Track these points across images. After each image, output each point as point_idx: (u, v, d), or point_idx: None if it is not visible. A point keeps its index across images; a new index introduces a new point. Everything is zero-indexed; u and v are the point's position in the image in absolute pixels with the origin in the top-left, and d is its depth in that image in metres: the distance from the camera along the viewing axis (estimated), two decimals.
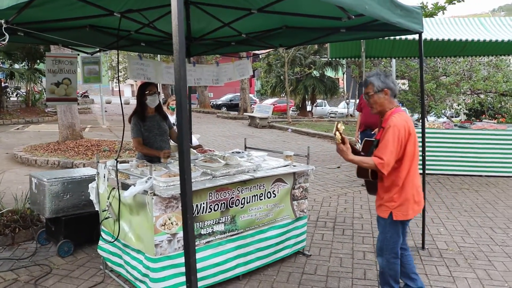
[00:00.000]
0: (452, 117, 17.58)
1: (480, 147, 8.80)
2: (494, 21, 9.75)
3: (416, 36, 4.78)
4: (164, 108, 5.55)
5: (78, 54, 5.92)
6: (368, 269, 4.47)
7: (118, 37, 4.23)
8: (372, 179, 3.51)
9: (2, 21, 3.05)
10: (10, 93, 23.47)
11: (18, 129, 16.99)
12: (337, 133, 3.12)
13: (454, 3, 13.73)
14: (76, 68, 5.87)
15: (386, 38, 8.28)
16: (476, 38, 8.61)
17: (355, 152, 3.41)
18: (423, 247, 5.02)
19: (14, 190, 6.48)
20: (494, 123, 11.26)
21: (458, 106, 16.70)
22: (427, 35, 8.75)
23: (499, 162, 8.77)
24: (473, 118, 15.68)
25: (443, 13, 13.94)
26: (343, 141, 3.19)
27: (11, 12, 2.92)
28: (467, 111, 17.01)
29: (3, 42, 3.02)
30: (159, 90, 4.90)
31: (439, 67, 16.81)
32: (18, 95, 24.31)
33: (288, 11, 4.34)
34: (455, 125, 9.57)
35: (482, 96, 16.40)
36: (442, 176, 8.84)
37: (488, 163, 8.81)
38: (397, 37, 8.33)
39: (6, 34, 2.99)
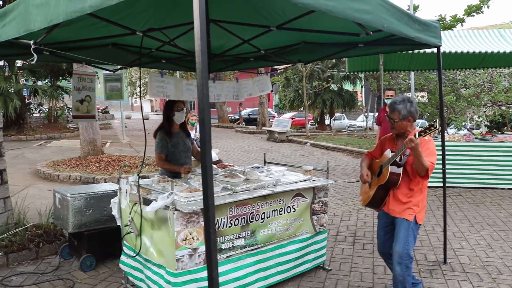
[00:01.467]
0: (473, 129, 17.35)
1: (502, 159, 8.68)
2: None
3: (435, 49, 4.79)
4: None
5: (97, 72, 6.06)
6: (389, 283, 4.43)
7: (140, 55, 4.32)
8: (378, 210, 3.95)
9: (31, 42, 3.15)
10: (33, 109, 24.01)
11: (40, 144, 17.32)
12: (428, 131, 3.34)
13: (473, 15, 13.62)
14: (95, 86, 6.00)
15: (404, 52, 8.29)
16: (496, 50, 8.54)
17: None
18: (445, 262, 4.96)
19: (37, 205, 6.62)
20: None
21: (479, 118, 16.50)
22: (445, 48, 8.72)
23: None
24: (494, 130, 15.44)
25: (462, 25, 13.86)
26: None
27: (41, 32, 3.02)
28: (488, 123, 16.79)
29: (32, 62, 3.12)
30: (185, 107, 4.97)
31: (459, 79, 16.66)
32: (41, 111, 24.85)
33: (306, 27, 4.39)
34: (476, 138, 9.46)
35: (503, 108, 16.18)
36: (463, 189, 8.73)
37: (511, 176, 8.66)
38: (416, 51, 8.31)
39: (34, 54, 3.09)
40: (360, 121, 33.17)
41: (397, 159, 3.63)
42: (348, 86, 33.11)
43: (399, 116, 3.64)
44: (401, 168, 3.61)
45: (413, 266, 4.46)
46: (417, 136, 3.34)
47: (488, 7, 13.29)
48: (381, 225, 3.97)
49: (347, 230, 6.25)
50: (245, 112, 38.52)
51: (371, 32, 3.64)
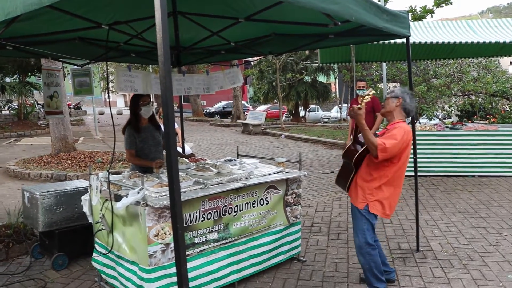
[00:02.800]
0: (445, 118, 17.67)
1: (472, 148, 8.87)
2: (482, 23, 9.82)
3: (405, 40, 4.84)
4: (157, 117, 5.56)
5: (66, 67, 5.93)
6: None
7: (107, 48, 4.24)
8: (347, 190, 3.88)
9: None
10: (2, 106, 23.42)
11: (10, 142, 16.93)
12: (366, 98, 3.49)
13: (442, 6, 13.83)
14: (61, 81, 5.87)
15: (375, 42, 8.35)
16: (464, 40, 8.67)
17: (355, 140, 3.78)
18: (417, 249, 5.04)
19: (7, 204, 6.47)
20: (485, 123, 11.33)
21: (450, 108, 16.81)
22: (416, 38, 8.82)
23: (491, 162, 8.85)
24: (465, 119, 15.78)
25: (432, 16, 14.05)
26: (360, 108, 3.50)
27: None
28: (458, 113, 17.13)
29: None
30: (152, 100, 4.89)
31: (430, 70, 16.93)
32: (10, 108, 24.27)
33: (275, 19, 4.37)
34: (447, 127, 9.63)
35: (473, 97, 16.53)
36: (435, 178, 8.89)
37: (481, 164, 8.88)
38: (386, 41, 8.38)
39: None
40: (334, 113, 33.42)
41: (360, 138, 3.68)
42: (322, 78, 33.27)
43: (392, 94, 3.73)
44: (363, 148, 3.61)
45: (386, 255, 4.54)
46: (361, 103, 3.46)
47: None
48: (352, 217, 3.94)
49: (322, 221, 6.29)
50: (219, 105, 38.40)
51: (339, 23, 3.64)
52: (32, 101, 25.57)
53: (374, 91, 3.61)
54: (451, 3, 13.65)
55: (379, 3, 5.06)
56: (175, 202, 1.91)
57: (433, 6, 13.83)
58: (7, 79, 21.30)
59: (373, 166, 3.62)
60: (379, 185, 3.63)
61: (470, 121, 13.69)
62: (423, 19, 13.59)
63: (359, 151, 3.64)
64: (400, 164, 3.62)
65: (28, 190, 4.91)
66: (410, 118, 3.96)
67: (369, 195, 3.65)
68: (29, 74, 20.99)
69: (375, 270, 3.72)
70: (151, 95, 5.02)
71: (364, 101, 3.51)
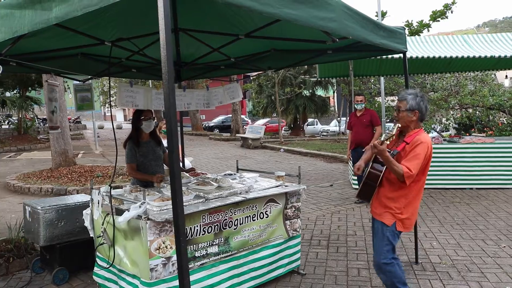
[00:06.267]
0: (443, 131, 17.77)
1: (470, 160, 8.94)
2: (477, 38, 9.97)
3: (402, 55, 4.93)
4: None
5: (66, 81, 6.00)
6: (363, 285, 4.51)
7: (109, 64, 4.31)
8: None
9: None
10: (2, 121, 23.48)
11: (10, 157, 16.94)
12: (391, 137, 3.39)
13: (439, 20, 14.01)
14: (60, 96, 5.94)
15: (373, 57, 8.46)
16: (461, 55, 8.81)
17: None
18: (416, 262, 5.07)
19: (7, 219, 6.49)
20: (482, 136, 11.41)
21: (447, 121, 16.92)
22: (412, 53, 8.95)
23: (488, 175, 8.91)
24: (462, 132, 15.87)
25: (428, 30, 14.22)
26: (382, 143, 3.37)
27: (5, 43, 3.00)
28: (456, 126, 17.25)
29: None
30: (153, 115, 4.96)
31: (427, 83, 17.09)
32: (10, 122, 24.32)
33: (275, 35, 4.46)
34: (445, 140, 9.71)
35: (470, 110, 16.65)
36: (433, 190, 8.93)
37: (478, 176, 8.94)
38: (384, 56, 8.50)
39: (0, 66, 3.06)
40: (333, 126, 33.54)
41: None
42: (320, 92, 33.48)
43: (406, 105, 3.47)
44: (384, 167, 3.46)
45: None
46: (383, 139, 3.33)
47: (451, 12, 13.72)
48: (372, 232, 3.78)
49: (321, 234, 6.32)
50: (218, 119, 38.51)
51: (337, 40, 3.72)
52: (32, 116, 25.65)
53: (399, 126, 3.46)
54: (447, 17, 13.84)
55: (376, 19, 5.16)
56: (178, 214, 1.96)
57: (429, 20, 14.01)
58: (8, 94, 21.38)
59: (398, 184, 3.46)
60: (407, 202, 3.49)
61: (467, 134, 13.77)
62: (419, 34, 13.76)
63: (383, 171, 3.49)
64: (424, 178, 3.54)
65: (30, 205, 4.93)
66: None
67: (398, 214, 3.50)
68: (30, 88, 21.09)
69: (398, 284, 3.58)
70: (152, 110, 5.10)
71: (387, 139, 3.40)
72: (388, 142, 3.43)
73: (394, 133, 3.43)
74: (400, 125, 3.46)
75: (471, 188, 8.96)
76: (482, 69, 11.90)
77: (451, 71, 12.49)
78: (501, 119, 16.39)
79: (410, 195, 3.49)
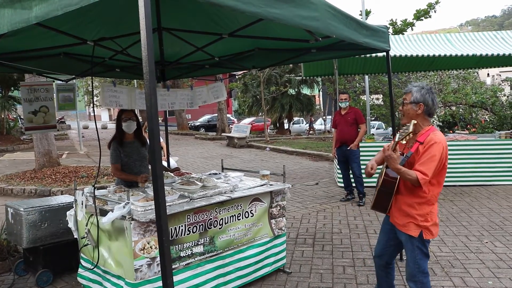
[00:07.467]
0: None
1: (453, 157, 9.02)
2: (459, 37, 10.10)
3: (385, 53, 4.97)
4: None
5: (54, 81, 5.92)
6: (348, 283, 4.54)
7: (92, 64, 4.28)
8: (387, 213, 3.49)
9: None
10: None
11: None
12: (408, 135, 3.09)
13: (422, 19, 14.18)
14: (53, 95, 5.87)
15: (357, 56, 8.52)
16: (443, 53, 8.91)
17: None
18: (401, 259, 5.11)
19: None
20: (465, 134, 11.56)
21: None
22: (396, 51, 9.03)
23: (471, 172, 9.04)
24: (446, 129, 16.07)
25: (412, 29, 14.37)
26: (395, 149, 3.16)
27: None
28: (440, 123, 17.45)
29: None
30: (137, 115, 4.93)
31: (411, 82, 17.24)
32: None
33: (259, 35, 4.46)
34: None
35: (453, 108, 16.85)
36: None
37: (462, 173, 9.06)
38: (368, 55, 8.56)
39: None
40: (318, 124, 33.67)
41: None
42: (306, 90, 33.58)
43: (410, 98, 3.25)
44: None
45: (370, 264, 4.59)
46: (397, 139, 3.11)
47: (435, 11, 13.87)
48: (384, 230, 3.61)
49: (307, 232, 6.35)
50: (204, 118, 38.40)
51: (320, 39, 3.73)
52: (15, 116, 25.30)
53: (415, 122, 3.13)
54: (430, 17, 14.00)
55: (360, 18, 5.20)
56: (160, 215, 1.95)
57: (413, 19, 14.16)
58: None
59: (417, 189, 3.21)
60: (430, 209, 3.26)
61: (451, 132, 13.94)
62: (403, 32, 13.90)
63: (398, 178, 3.25)
64: (443, 180, 3.30)
65: (12, 206, 4.87)
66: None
67: (423, 222, 3.24)
68: (12, 88, 20.79)
69: None
70: (135, 110, 5.07)
71: (402, 138, 3.09)
72: (404, 142, 3.16)
73: (410, 130, 3.07)
74: (415, 121, 3.17)
75: (455, 185, 9.07)
76: (464, 67, 12.09)
77: (435, 70, 12.62)
78: (483, 116, 16.64)
79: (433, 199, 3.26)
